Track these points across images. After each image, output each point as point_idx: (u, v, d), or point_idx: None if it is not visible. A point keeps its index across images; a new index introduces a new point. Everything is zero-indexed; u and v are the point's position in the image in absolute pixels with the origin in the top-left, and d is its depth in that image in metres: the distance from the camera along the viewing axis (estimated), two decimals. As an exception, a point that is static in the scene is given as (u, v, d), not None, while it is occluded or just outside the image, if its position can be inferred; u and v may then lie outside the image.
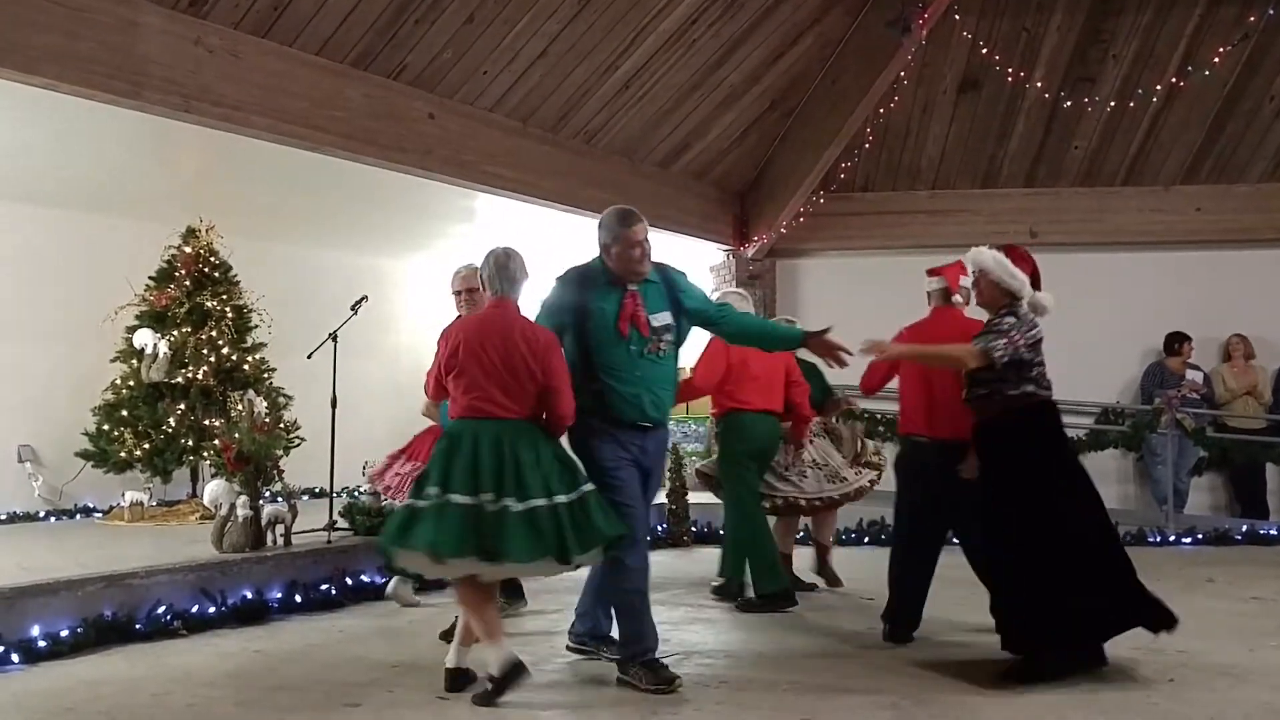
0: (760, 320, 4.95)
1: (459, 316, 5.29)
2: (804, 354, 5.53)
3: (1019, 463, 4.50)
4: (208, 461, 7.72)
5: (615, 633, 4.57)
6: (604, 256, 4.48)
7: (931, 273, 5.39)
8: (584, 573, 4.72)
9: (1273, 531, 8.83)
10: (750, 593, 6.00)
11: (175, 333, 7.99)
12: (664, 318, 4.47)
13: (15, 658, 4.67)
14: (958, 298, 5.20)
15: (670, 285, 4.55)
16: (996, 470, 4.57)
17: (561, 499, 4.14)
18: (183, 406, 7.85)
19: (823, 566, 6.49)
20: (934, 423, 4.99)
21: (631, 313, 4.40)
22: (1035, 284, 4.69)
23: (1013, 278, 4.60)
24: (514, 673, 4.07)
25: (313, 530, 6.53)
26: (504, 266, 4.40)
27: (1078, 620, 4.29)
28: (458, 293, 5.35)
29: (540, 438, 4.26)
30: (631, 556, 4.33)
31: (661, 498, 8.05)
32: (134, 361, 7.97)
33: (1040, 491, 4.42)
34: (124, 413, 7.86)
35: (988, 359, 4.44)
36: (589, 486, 4.24)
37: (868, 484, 6.34)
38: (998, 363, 4.44)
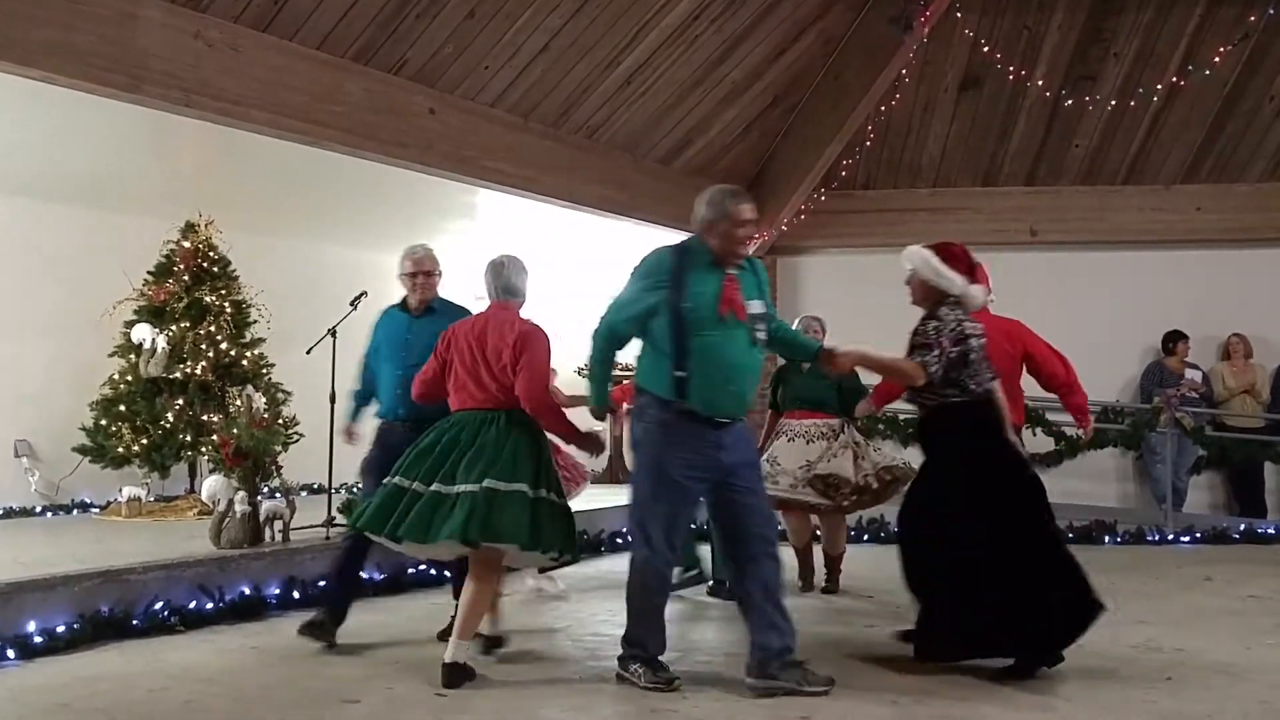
0: (791, 329, 4.90)
1: (403, 299, 5.18)
2: None
3: (955, 460, 4.46)
4: (206, 457, 7.71)
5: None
6: (704, 235, 4.23)
7: None
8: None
9: (1270, 530, 8.84)
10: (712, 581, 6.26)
11: (174, 328, 7.96)
12: (758, 306, 4.25)
13: (11, 653, 4.66)
14: (991, 296, 5.15)
15: (758, 276, 4.37)
16: (933, 467, 4.56)
17: (491, 484, 4.17)
18: (181, 402, 7.83)
19: (830, 576, 6.46)
20: None
21: (729, 296, 4.17)
22: (975, 280, 4.61)
23: (940, 277, 4.52)
24: (453, 675, 4.21)
25: (311, 526, 6.52)
26: (498, 274, 4.59)
27: (1058, 614, 4.24)
28: (411, 275, 5.09)
29: (512, 426, 4.33)
30: (647, 555, 4.27)
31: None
32: (132, 356, 7.94)
33: (977, 489, 4.36)
34: (122, 408, 7.84)
35: (929, 373, 4.44)
36: (523, 486, 4.22)
37: (787, 497, 5.96)
38: (934, 377, 4.43)
